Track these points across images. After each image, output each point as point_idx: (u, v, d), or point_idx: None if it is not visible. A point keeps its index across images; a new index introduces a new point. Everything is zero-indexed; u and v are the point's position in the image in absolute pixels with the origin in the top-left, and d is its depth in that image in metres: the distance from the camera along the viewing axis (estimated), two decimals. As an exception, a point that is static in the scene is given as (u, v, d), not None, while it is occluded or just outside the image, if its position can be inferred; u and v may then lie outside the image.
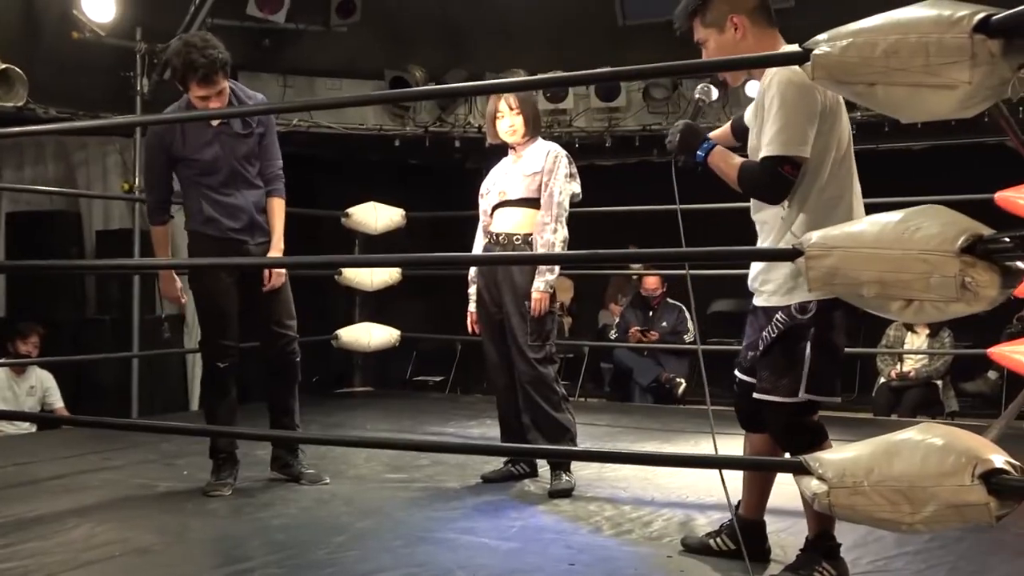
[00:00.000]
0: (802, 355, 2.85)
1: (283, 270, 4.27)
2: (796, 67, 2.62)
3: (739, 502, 3.24)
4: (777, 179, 2.76)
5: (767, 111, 2.79)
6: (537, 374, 4.32)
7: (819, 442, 2.89)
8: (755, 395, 2.95)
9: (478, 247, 4.52)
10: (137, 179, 7.22)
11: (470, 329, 4.59)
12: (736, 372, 3.15)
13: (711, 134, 3.17)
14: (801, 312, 2.84)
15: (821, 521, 2.92)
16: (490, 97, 4.54)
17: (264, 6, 7.23)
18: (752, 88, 3.05)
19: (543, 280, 4.28)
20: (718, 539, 3.28)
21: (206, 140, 4.12)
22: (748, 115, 3.08)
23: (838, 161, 2.84)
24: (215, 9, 6.78)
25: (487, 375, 4.74)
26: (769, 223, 2.94)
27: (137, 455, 4.90)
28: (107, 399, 7.08)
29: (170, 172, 4.22)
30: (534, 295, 4.28)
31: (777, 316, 2.88)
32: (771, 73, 2.80)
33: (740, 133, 3.19)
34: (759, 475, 3.18)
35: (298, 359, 4.36)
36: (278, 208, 4.29)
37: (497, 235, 4.41)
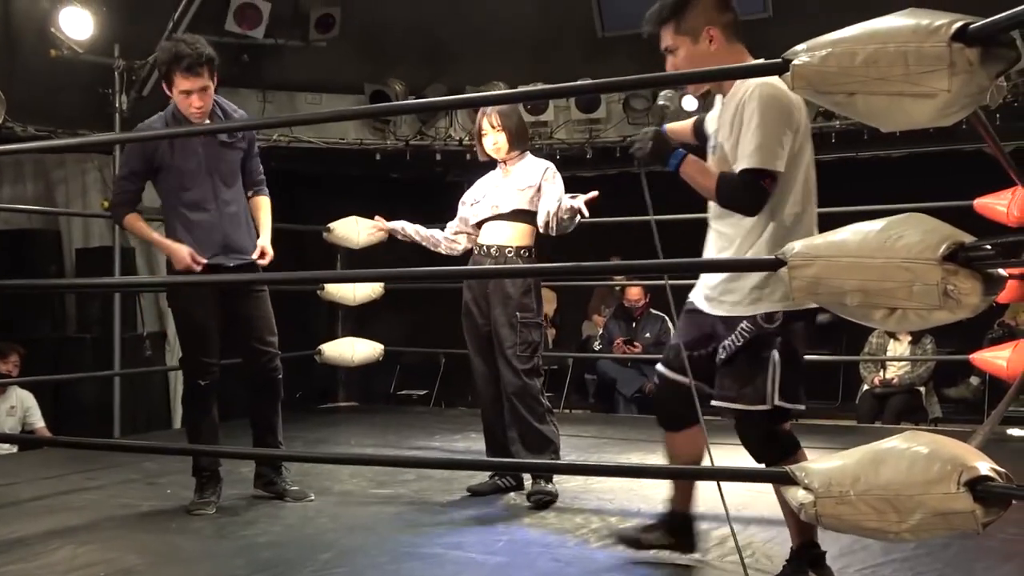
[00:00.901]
0: (767, 363, 2.86)
1: (270, 250, 4.26)
2: (777, 82, 2.68)
3: (671, 497, 3.31)
4: (756, 191, 2.79)
5: (747, 123, 2.80)
6: (523, 385, 4.32)
7: (792, 452, 2.91)
8: (715, 403, 2.97)
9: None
10: (117, 197, 7.18)
11: None
12: (661, 368, 3.16)
13: (670, 126, 3.19)
14: (768, 321, 2.87)
15: (804, 530, 2.93)
16: (476, 115, 4.56)
17: (243, 21, 7.23)
18: (717, 101, 3.05)
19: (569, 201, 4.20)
20: (653, 534, 3.31)
21: (192, 148, 4.11)
22: (710, 122, 3.09)
23: (804, 178, 2.88)
24: (193, 25, 6.76)
25: (473, 388, 4.74)
26: (730, 234, 2.95)
27: (120, 475, 4.86)
28: (89, 418, 7.03)
29: (143, 180, 4.20)
30: (573, 203, 4.17)
31: (742, 325, 2.89)
32: (751, 86, 2.81)
33: (700, 135, 3.21)
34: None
35: (280, 376, 4.33)
36: (264, 204, 4.33)
37: (488, 247, 4.41)
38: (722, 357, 2.94)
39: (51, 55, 6.65)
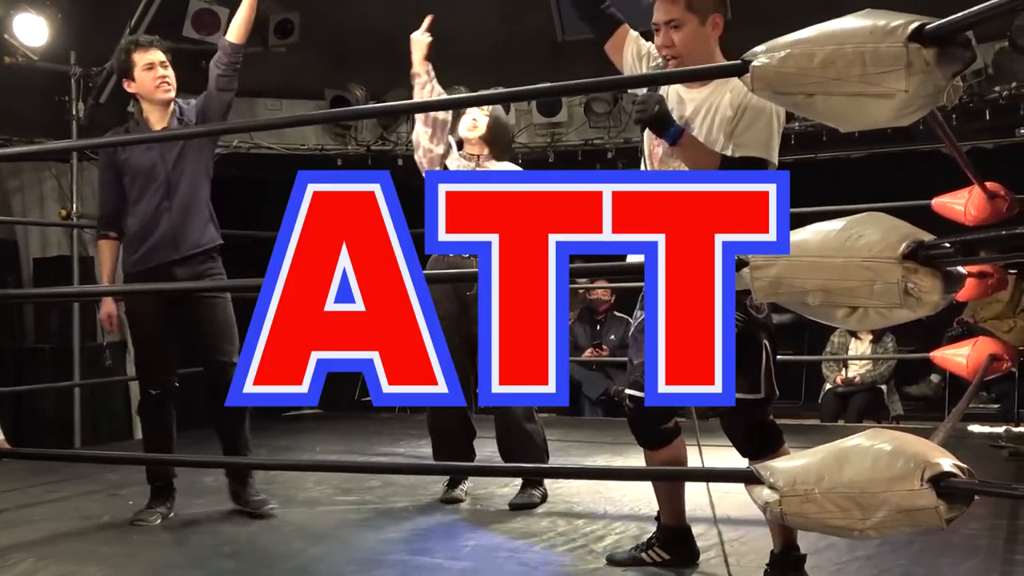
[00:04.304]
0: (760, 352, 2.90)
1: None
2: None
3: (658, 513, 3.33)
4: None
5: (757, 114, 2.84)
6: (526, 408, 4.32)
7: (780, 444, 2.95)
8: None
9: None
10: (74, 205, 7.10)
11: None
12: (631, 392, 3.12)
13: None
14: (758, 311, 2.91)
15: (785, 533, 2.94)
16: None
17: (201, 27, 7.16)
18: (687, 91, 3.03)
19: None
20: (649, 552, 3.30)
21: (145, 146, 4.09)
22: (675, 102, 3.02)
23: None
24: (151, 30, 6.64)
25: None
26: None
27: (80, 486, 4.80)
28: (49, 430, 6.92)
29: (117, 186, 4.17)
30: None
31: (735, 316, 2.90)
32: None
33: None
34: (675, 484, 3.25)
35: None
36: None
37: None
38: None
39: (5, 62, 6.56)
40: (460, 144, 4.51)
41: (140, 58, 4.04)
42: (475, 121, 4.39)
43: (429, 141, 4.43)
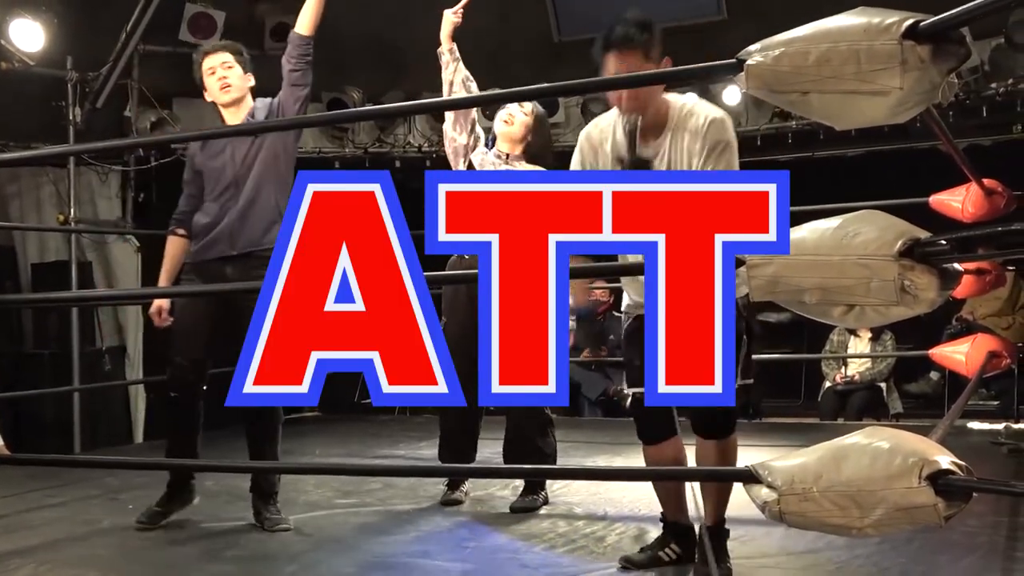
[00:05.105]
0: (739, 344, 2.98)
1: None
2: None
3: (662, 513, 3.38)
4: None
5: (719, 150, 2.97)
6: (542, 412, 4.33)
7: (732, 430, 3.15)
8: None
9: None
10: (72, 210, 7.10)
11: None
12: (632, 390, 3.21)
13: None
14: (744, 308, 3.00)
15: (719, 510, 3.15)
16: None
17: (197, 31, 7.16)
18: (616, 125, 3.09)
19: None
20: (665, 550, 3.31)
21: (219, 148, 4.12)
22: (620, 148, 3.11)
23: None
24: (147, 35, 6.71)
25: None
26: None
27: (80, 491, 4.79)
28: (49, 434, 6.92)
29: (194, 186, 4.21)
30: None
31: None
32: (706, 113, 3.02)
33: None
34: (676, 482, 3.31)
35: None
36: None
37: None
38: None
39: (2, 68, 6.56)
40: (495, 139, 4.41)
41: (205, 66, 4.10)
42: (511, 116, 4.29)
43: (452, 128, 4.39)
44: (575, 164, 3.28)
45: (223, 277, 4.06)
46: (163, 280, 4.23)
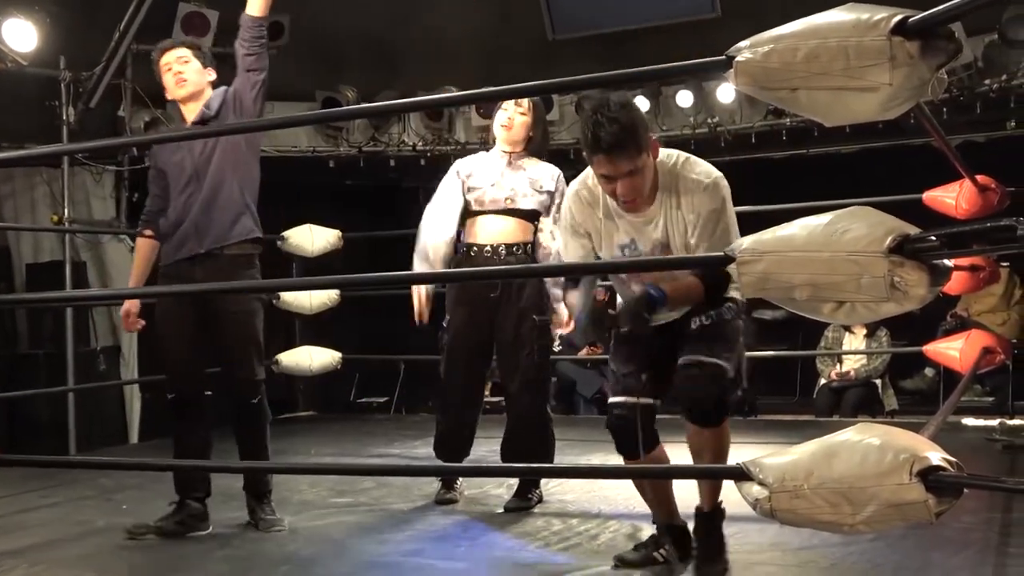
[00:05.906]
0: (737, 335, 3.15)
1: None
2: (712, 168, 3.03)
3: (656, 513, 3.35)
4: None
5: (714, 220, 2.99)
6: (544, 412, 4.31)
7: (723, 419, 3.12)
8: (698, 358, 3.05)
9: (441, 222, 4.25)
10: (66, 210, 7.08)
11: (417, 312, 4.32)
12: (618, 399, 3.18)
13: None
14: (744, 309, 3.14)
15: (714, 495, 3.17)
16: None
17: (191, 30, 7.14)
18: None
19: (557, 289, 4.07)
20: (660, 551, 3.30)
21: (177, 143, 4.08)
22: (628, 237, 3.13)
23: None
24: (140, 35, 6.69)
25: (444, 399, 4.50)
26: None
27: (75, 492, 4.79)
28: (43, 435, 6.90)
29: (158, 184, 4.16)
30: (560, 308, 4.13)
31: (727, 305, 3.11)
32: (698, 176, 3.04)
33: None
34: (664, 487, 3.31)
35: (254, 401, 4.06)
36: None
37: (495, 246, 4.20)
38: (705, 323, 3.10)
39: (-6, 68, 6.55)
40: (493, 139, 4.39)
41: (161, 63, 4.06)
42: (510, 120, 4.24)
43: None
44: (566, 224, 3.27)
45: (193, 280, 3.99)
46: (133, 282, 4.23)
